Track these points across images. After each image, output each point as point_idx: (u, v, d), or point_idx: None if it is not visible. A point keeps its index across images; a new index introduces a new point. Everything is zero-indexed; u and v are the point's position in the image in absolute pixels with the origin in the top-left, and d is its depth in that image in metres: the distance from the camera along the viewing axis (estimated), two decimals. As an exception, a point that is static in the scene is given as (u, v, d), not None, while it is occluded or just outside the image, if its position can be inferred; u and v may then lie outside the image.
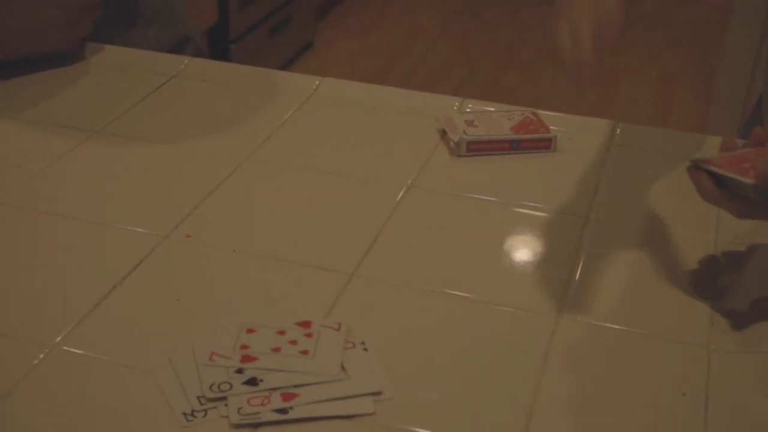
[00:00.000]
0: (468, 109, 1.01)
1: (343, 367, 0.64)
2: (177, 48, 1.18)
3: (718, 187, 0.69)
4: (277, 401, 0.62)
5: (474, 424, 0.62)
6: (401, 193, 0.86)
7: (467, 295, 0.73)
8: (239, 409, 0.61)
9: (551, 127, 0.95)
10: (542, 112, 0.98)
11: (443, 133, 0.96)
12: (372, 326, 0.69)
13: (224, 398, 0.62)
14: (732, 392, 0.65)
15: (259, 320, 0.68)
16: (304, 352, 0.65)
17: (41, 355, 0.65)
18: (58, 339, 0.67)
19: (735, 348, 0.69)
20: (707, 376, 0.66)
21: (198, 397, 0.62)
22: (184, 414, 0.61)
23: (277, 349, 0.65)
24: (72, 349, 0.66)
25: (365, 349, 0.66)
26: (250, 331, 0.67)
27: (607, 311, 0.72)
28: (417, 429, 0.61)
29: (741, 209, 0.69)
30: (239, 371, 0.63)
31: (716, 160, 0.70)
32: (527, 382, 0.65)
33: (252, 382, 0.63)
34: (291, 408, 0.61)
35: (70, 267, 0.75)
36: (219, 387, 0.62)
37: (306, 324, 0.68)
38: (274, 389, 0.62)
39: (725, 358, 0.68)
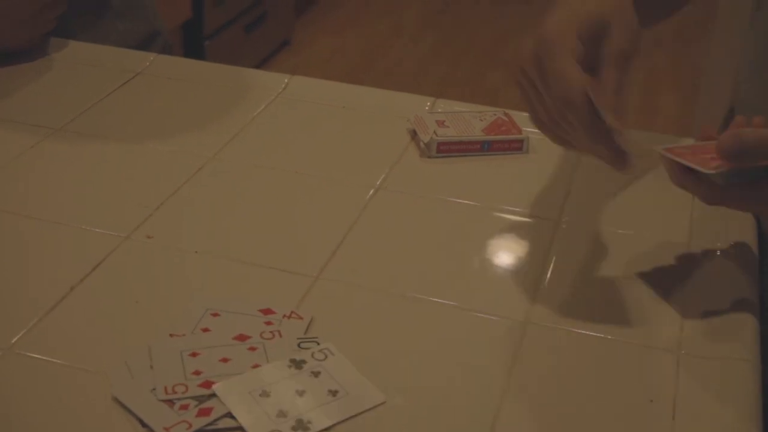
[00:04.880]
0: (440, 110, 1.00)
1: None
2: (146, 42, 1.16)
3: (687, 173, 0.68)
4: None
5: (439, 431, 0.61)
6: (369, 194, 0.85)
7: (435, 299, 0.72)
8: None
9: (523, 128, 0.94)
10: (515, 113, 0.96)
11: (414, 134, 0.94)
12: (337, 330, 0.68)
13: (181, 404, 0.60)
14: (700, 399, 0.64)
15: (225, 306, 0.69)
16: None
17: (-6, 359, 0.64)
18: (13, 341, 0.65)
19: (704, 354, 0.68)
20: (676, 382, 0.65)
21: (154, 403, 0.60)
22: (140, 420, 0.59)
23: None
24: (27, 353, 0.65)
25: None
26: (214, 314, 0.68)
27: (576, 316, 0.71)
28: (379, 437, 0.60)
29: (709, 195, 0.68)
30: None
31: (679, 149, 0.69)
32: (494, 388, 0.64)
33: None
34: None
35: (27, 268, 0.73)
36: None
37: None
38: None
39: (694, 364, 0.67)
